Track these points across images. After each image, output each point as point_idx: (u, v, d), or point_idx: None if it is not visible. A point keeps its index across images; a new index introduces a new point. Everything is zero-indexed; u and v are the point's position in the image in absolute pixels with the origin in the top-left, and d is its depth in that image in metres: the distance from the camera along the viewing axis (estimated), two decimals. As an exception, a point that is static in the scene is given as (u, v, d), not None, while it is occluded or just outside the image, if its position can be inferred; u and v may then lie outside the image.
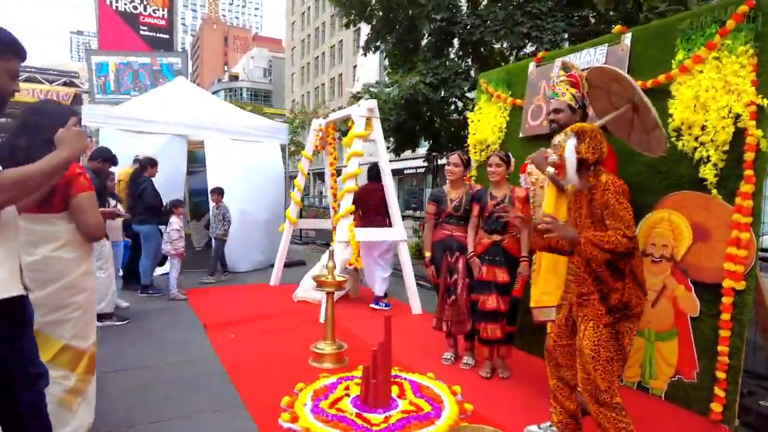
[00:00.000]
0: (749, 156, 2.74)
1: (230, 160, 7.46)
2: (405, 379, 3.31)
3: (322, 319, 4.85)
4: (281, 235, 8.31)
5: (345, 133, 8.32)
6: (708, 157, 2.86)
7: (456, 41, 7.60)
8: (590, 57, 3.71)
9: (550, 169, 2.87)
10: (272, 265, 7.98)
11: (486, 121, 4.60)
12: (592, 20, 6.81)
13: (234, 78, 55.83)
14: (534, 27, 6.37)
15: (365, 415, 2.77)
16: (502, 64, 8.64)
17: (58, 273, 2.24)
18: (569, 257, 2.74)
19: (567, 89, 2.99)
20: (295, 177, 6.77)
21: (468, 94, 8.17)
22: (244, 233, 7.55)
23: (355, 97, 7.71)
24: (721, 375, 2.80)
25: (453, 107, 8.55)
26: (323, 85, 44.31)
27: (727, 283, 2.78)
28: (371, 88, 8.31)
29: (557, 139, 2.31)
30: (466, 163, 3.81)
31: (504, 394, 3.23)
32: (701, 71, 2.92)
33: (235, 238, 7.44)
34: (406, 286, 5.42)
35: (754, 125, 2.72)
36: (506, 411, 2.96)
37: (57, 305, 2.25)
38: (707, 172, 2.86)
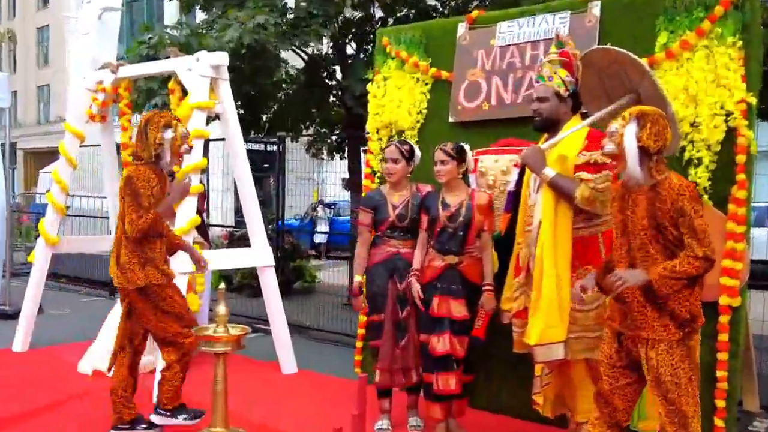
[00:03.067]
0: (741, 158, 3.78)
1: None
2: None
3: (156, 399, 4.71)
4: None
5: (150, 96, 7.93)
6: (699, 158, 3.84)
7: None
8: (548, 25, 4.48)
9: (549, 171, 3.51)
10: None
11: (396, 98, 5.10)
12: None
13: None
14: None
15: None
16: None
17: None
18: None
19: (556, 72, 3.66)
20: None
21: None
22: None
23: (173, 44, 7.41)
24: (720, 403, 3.80)
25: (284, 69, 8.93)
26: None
27: (723, 300, 3.78)
28: (169, 30, 8.04)
29: (614, 125, 2.91)
30: (408, 156, 4.21)
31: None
32: (689, 59, 3.89)
33: None
34: (273, 333, 5.63)
35: (746, 125, 3.77)
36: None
37: None
38: (700, 175, 3.82)
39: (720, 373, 3.80)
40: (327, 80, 9.59)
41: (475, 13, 4.94)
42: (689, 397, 2.86)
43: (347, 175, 9.90)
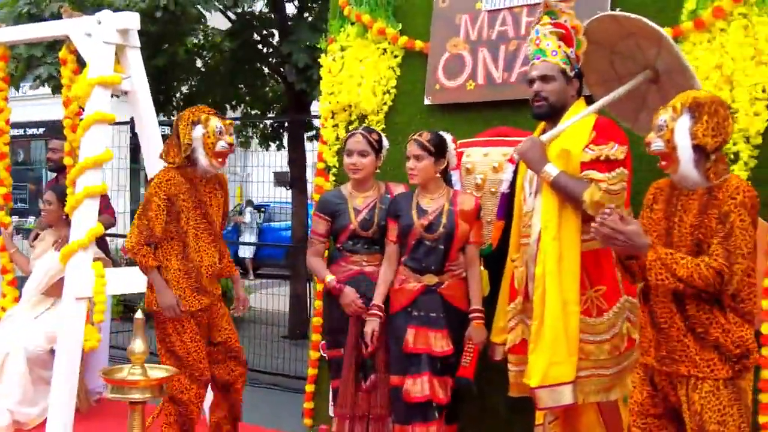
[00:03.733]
0: (786, 153, 3.97)
1: None
2: None
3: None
4: None
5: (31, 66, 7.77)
6: (736, 152, 4.01)
7: None
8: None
9: (552, 169, 3.62)
10: None
11: (357, 74, 5.17)
12: None
13: None
14: None
15: None
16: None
17: None
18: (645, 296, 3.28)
19: (559, 45, 3.80)
20: None
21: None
22: None
23: None
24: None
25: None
26: None
27: (765, 328, 3.95)
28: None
29: (662, 117, 3.01)
30: (377, 147, 4.31)
31: None
32: (723, 30, 4.06)
33: None
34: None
35: (792, 112, 3.95)
36: None
37: None
38: (737, 174, 3.98)
39: (763, 419, 3.91)
40: (260, 47, 9.60)
41: (457, -32, 5.03)
42: None
43: (281, 169, 9.95)
